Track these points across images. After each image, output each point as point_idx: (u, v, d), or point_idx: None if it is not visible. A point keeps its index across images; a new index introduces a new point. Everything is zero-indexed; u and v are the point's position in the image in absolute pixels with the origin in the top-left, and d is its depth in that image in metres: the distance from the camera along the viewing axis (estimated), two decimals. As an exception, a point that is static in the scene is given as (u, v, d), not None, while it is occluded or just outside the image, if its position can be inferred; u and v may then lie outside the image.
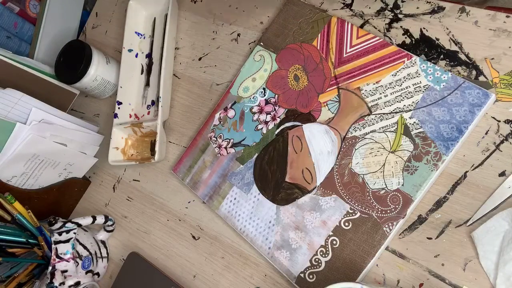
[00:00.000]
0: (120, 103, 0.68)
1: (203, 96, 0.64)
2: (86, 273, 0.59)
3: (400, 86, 0.48)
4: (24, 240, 0.56)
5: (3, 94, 0.56)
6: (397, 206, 0.45)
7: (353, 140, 0.50)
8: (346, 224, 0.48)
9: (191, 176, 0.60)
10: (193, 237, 0.60)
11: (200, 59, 0.66)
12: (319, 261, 0.49)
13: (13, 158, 0.56)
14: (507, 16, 0.45)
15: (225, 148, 0.59)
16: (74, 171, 0.67)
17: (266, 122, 0.56)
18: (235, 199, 0.56)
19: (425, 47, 0.49)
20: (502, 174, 0.43)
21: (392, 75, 0.49)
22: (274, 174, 0.54)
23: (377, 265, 0.47)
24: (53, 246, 0.54)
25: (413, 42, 0.50)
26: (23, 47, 0.76)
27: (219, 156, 0.59)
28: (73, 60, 0.68)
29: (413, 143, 0.46)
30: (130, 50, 0.70)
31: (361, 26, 0.54)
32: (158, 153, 0.62)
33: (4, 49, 0.64)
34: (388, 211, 0.46)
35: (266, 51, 0.59)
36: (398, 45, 0.51)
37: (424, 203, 0.46)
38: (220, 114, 0.60)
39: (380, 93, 0.49)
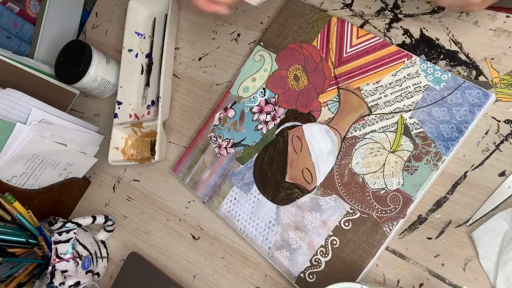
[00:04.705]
0: (120, 103, 0.68)
1: (203, 96, 0.64)
2: (86, 273, 0.59)
3: (400, 86, 0.48)
4: (24, 240, 0.56)
5: (3, 94, 0.56)
6: (397, 206, 0.45)
7: (353, 140, 0.50)
8: (346, 224, 0.48)
9: (191, 176, 0.60)
10: (193, 237, 0.60)
11: (200, 59, 0.66)
12: (319, 261, 0.48)
13: (13, 158, 0.56)
14: (507, 16, 0.45)
15: (225, 148, 0.59)
16: (74, 171, 0.67)
17: (266, 122, 0.56)
18: (235, 199, 0.56)
19: (425, 47, 0.49)
20: (502, 174, 0.43)
21: (392, 75, 0.49)
22: (274, 174, 0.54)
23: (377, 265, 0.47)
24: (53, 246, 0.54)
25: (413, 42, 0.50)
26: (23, 47, 0.76)
27: (219, 156, 0.59)
28: (73, 60, 0.68)
29: (413, 143, 0.46)
30: (130, 50, 0.70)
31: (361, 26, 0.54)
32: (158, 153, 0.62)
33: (4, 49, 0.64)
34: (388, 211, 0.46)
35: (266, 51, 0.59)
36: (398, 45, 0.51)
37: (424, 203, 0.46)
38: (220, 114, 0.60)
39: (380, 93, 0.49)
